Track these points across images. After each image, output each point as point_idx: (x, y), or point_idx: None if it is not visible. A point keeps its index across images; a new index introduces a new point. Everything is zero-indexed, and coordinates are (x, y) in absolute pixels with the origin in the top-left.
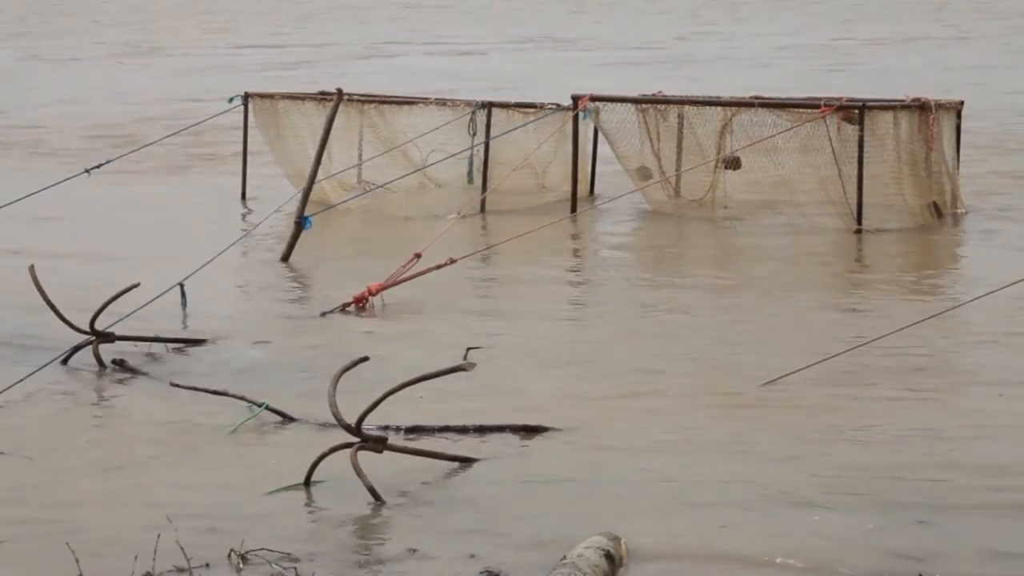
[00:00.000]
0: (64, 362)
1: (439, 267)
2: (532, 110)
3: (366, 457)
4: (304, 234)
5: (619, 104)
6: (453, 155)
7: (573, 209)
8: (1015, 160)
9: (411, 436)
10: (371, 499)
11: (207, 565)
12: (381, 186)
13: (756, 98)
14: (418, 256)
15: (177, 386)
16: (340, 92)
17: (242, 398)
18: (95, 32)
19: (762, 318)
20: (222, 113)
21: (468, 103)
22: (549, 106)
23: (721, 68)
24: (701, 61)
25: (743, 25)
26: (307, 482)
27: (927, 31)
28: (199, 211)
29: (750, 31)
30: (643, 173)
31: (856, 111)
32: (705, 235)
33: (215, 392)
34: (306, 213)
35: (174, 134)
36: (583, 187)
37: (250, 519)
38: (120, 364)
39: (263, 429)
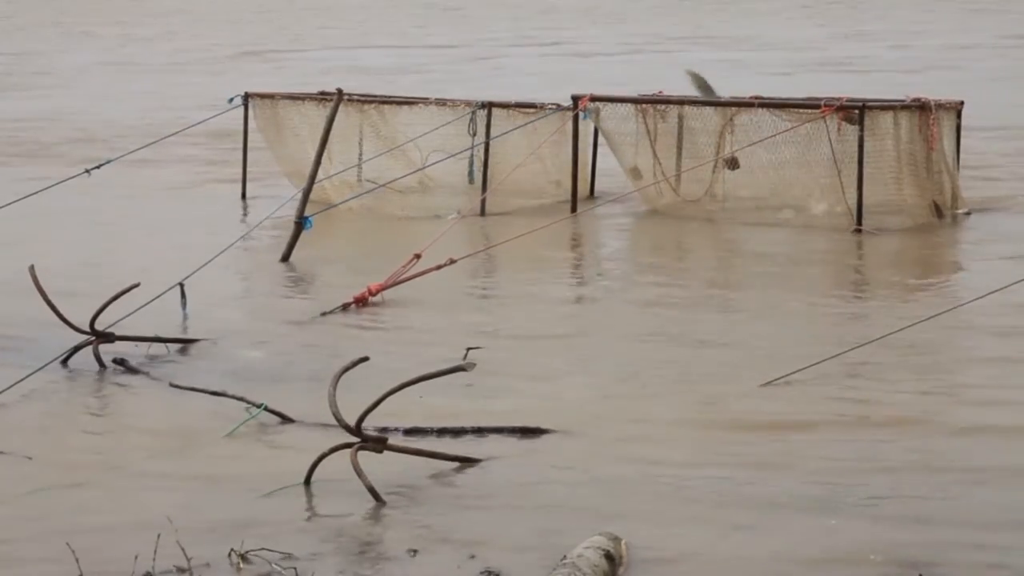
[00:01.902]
0: (64, 362)
1: (439, 267)
2: (532, 110)
3: (366, 457)
4: (304, 234)
5: (619, 104)
6: (453, 155)
7: (573, 209)
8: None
9: (410, 437)
10: (371, 499)
11: (207, 565)
12: (382, 185)
13: (756, 98)
14: (418, 256)
15: (176, 387)
16: (340, 92)
17: (241, 399)
18: (227, 32)
19: (762, 318)
20: (222, 113)
21: (468, 103)
22: (549, 106)
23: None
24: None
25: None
26: (307, 482)
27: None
28: (199, 211)
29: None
30: (636, 173)
31: (856, 111)
32: (705, 235)
33: (214, 393)
34: (306, 213)
35: (174, 134)
36: (583, 187)
37: (250, 519)
38: (121, 364)
39: (263, 429)
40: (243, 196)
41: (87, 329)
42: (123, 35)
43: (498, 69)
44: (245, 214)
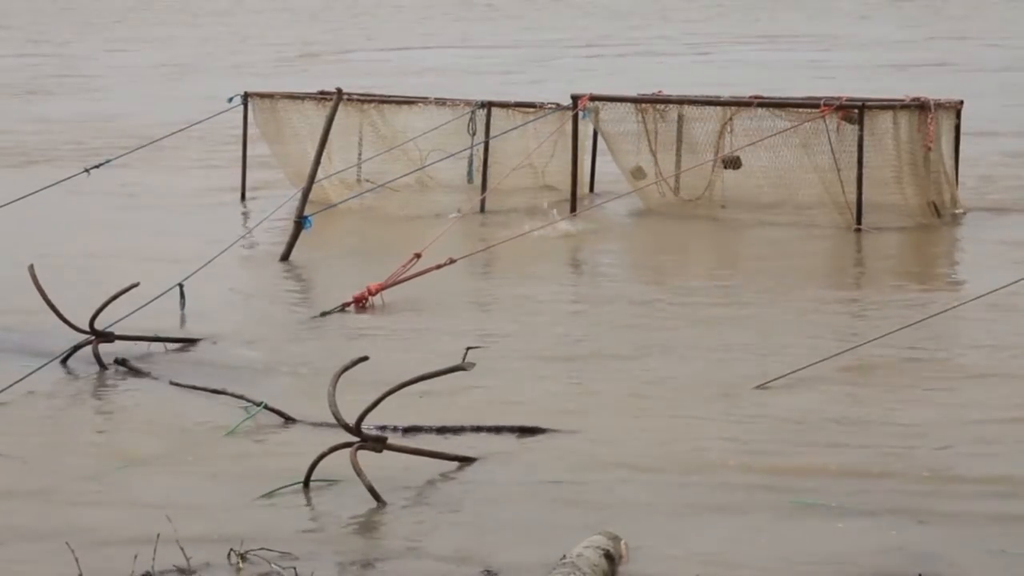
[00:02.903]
0: (64, 362)
1: (439, 267)
2: (532, 110)
3: (366, 457)
4: (304, 234)
5: (618, 104)
6: (453, 155)
7: (573, 209)
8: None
9: (409, 436)
10: (371, 499)
11: (207, 565)
12: (382, 185)
13: (756, 98)
14: (418, 256)
15: (176, 385)
16: (340, 91)
17: (240, 397)
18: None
19: (762, 318)
20: (222, 113)
21: (468, 102)
22: (549, 106)
23: None
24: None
25: None
26: (307, 482)
27: None
28: (199, 211)
29: None
30: (639, 173)
31: (855, 111)
32: (704, 235)
33: (213, 391)
34: (306, 213)
35: (174, 133)
36: (583, 187)
37: (250, 519)
38: (122, 363)
39: (263, 429)
40: (243, 196)
41: (87, 329)
42: (179, 37)
43: (551, 69)
44: (245, 214)
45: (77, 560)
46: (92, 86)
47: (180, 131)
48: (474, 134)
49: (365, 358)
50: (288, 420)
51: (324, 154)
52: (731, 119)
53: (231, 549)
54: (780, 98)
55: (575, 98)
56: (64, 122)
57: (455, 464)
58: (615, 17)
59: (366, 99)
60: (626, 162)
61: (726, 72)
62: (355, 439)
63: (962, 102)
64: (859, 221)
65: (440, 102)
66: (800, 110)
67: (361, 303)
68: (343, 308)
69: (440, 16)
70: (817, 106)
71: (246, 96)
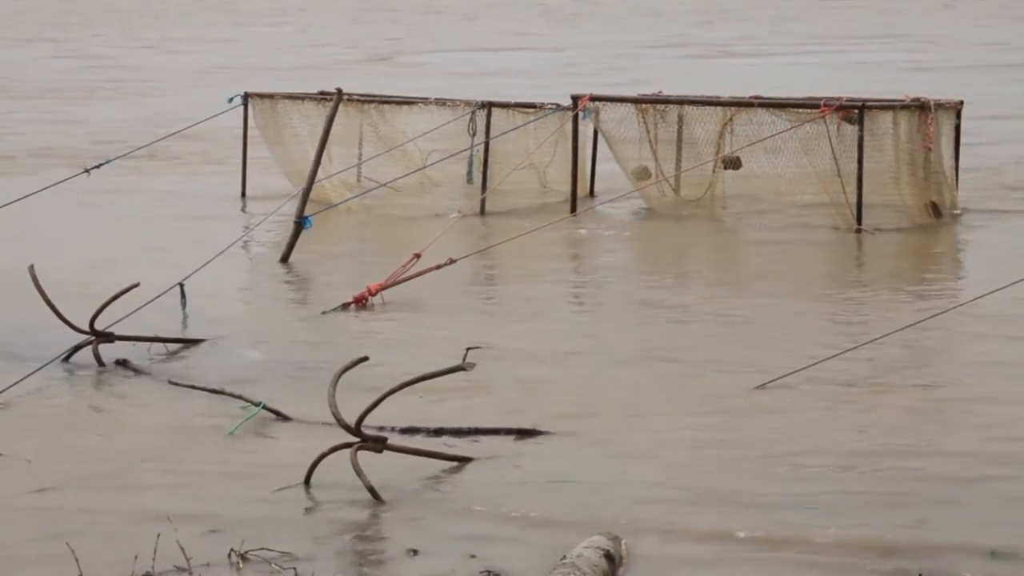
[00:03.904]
0: (64, 362)
1: (439, 267)
2: (532, 110)
3: (365, 457)
4: (304, 234)
5: (619, 104)
6: (453, 155)
7: (573, 209)
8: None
9: (408, 437)
10: (371, 499)
11: (207, 565)
12: (381, 184)
13: (756, 98)
14: (418, 256)
15: (175, 384)
16: (340, 92)
17: (240, 397)
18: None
19: (761, 318)
20: (222, 113)
21: (468, 103)
22: (549, 106)
23: None
24: None
25: None
26: (307, 482)
27: None
28: (199, 211)
29: None
30: (641, 174)
31: (856, 111)
32: (704, 235)
33: (212, 391)
34: (306, 213)
35: (174, 134)
36: (583, 187)
37: (250, 519)
38: (123, 364)
39: (263, 429)
40: (243, 196)
41: (87, 329)
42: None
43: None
44: (245, 214)
45: (77, 560)
46: (154, 90)
47: (180, 131)
48: (474, 134)
49: (365, 358)
50: (286, 419)
51: (324, 154)
52: (731, 119)
53: (231, 549)
54: (780, 99)
55: (575, 98)
56: (120, 122)
57: (455, 464)
58: (690, 13)
59: (366, 99)
60: (627, 163)
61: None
62: (355, 439)
63: (962, 102)
64: (859, 221)
65: (440, 102)
66: (800, 110)
67: (361, 303)
68: (343, 308)
69: (519, 17)
70: (817, 106)
71: (246, 96)
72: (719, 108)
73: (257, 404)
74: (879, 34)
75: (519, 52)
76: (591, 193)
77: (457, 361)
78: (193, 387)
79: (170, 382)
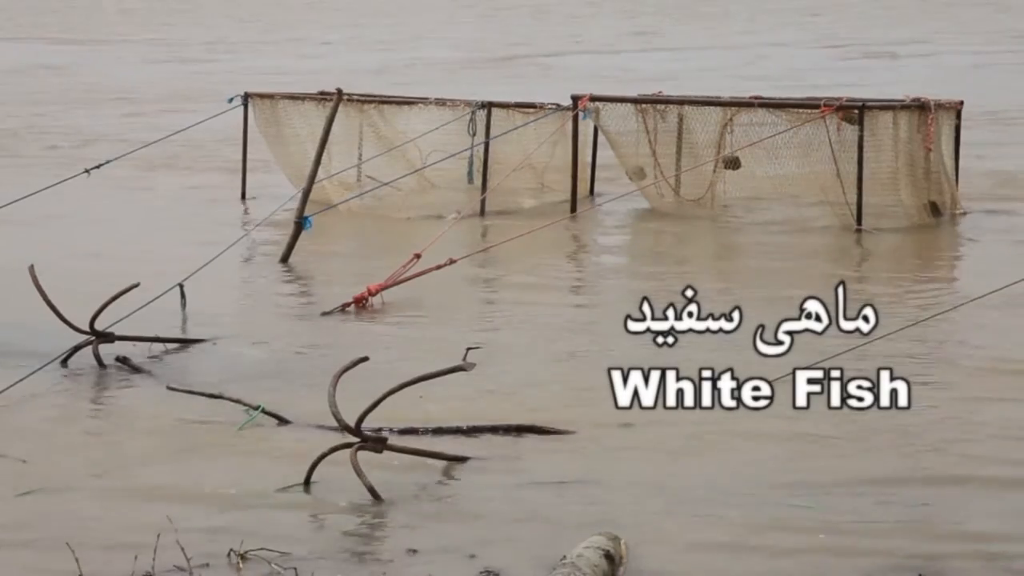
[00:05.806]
0: (64, 362)
1: (439, 267)
2: (532, 110)
3: (365, 457)
4: (304, 234)
5: (619, 104)
6: (453, 155)
7: (573, 209)
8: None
9: (408, 437)
10: (371, 499)
11: (207, 565)
12: (381, 184)
13: (756, 98)
14: (418, 256)
15: (174, 390)
16: (340, 92)
17: (238, 401)
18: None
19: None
20: (222, 113)
21: (468, 103)
22: (549, 106)
23: None
24: None
25: None
26: (307, 482)
27: None
28: (199, 211)
29: None
30: (640, 173)
31: (856, 111)
32: (704, 235)
33: (211, 395)
34: (306, 213)
35: (173, 134)
36: (583, 187)
37: (250, 519)
38: (123, 361)
39: (263, 429)
40: (243, 196)
41: (87, 329)
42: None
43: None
44: (245, 214)
45: (77, 560)
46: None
47: (180, 132)
48: (474, 135)
49: (365, 358)
50: (284, 422)
51: (324, 154)
52: (731, 119)
53: (231, 549)
54: (780, 99)
55: (575, 98)
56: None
57: (455, 464)
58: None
59: (366, 100)
60: (627, 163)
61: None
62: (355, 440)
63: (962, 102)
64: (859, 221)
65: (440, 103)
66: (800, 111)
67: (361, 303)
68: (343, 308)
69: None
70: (817, 106)
71: (246, 96)
72: (719, 108)
73: (256, 407)
74: None
75: (660, 52)
76: (591, 193)
77: (457, 361)
78: (191, 392)
79: (168, 387)
